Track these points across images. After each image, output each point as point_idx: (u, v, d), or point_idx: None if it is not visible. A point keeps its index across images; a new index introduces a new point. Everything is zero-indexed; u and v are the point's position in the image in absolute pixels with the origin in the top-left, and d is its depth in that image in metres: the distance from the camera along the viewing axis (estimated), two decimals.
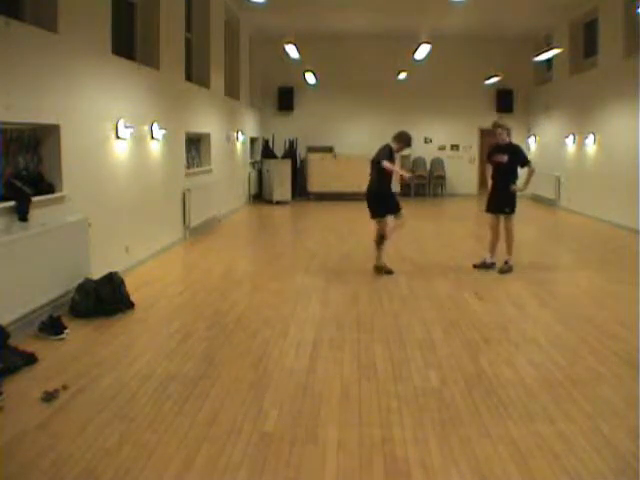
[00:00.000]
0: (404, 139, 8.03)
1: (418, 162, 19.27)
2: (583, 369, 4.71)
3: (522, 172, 8.22)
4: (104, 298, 5.98)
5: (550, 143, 16.46)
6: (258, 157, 18.41)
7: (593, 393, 4.24)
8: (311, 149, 18.85)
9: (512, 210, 8.20)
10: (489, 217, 8.44)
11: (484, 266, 8.33)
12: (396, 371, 4.64)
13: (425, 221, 13.48)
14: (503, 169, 8.13)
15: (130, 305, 6.20)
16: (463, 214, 16.10)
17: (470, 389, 4.29)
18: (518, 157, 8.17)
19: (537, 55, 15.28)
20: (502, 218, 8.27)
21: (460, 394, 4.20)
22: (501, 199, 8.17)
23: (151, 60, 9.04)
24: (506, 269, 8.17)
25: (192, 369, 4.65)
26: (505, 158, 8.09)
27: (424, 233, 11.69)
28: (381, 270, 8.02)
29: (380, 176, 7.87)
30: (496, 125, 8.34)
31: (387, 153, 7.79)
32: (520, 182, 8.30)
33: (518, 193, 8.25)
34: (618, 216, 12.41)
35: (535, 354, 5.04)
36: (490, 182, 8.35)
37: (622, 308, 6.49)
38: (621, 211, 12.31)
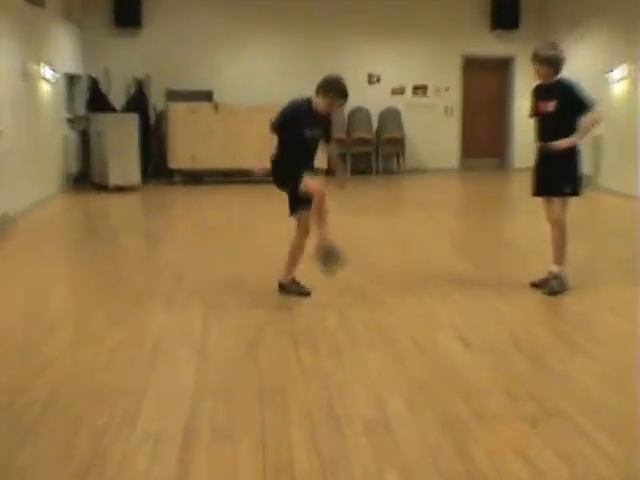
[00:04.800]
0: (333, 89, 5.28)
1: (357, 117, 13.28)
2: None
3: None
4: None
5: (586, 79, 9.44)
6: (82, 110, 12.76)
7: None
8: (174, 95, 12.95)
9: (574, 190, 5.59)
10: (542, 204, 5.90)
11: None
12: (329, 477, 2.95)
13: (370, 217, 9.63)
14: (551, 123, 5.59)
15: None
16: (436, 204, 10.88)
17: None
18: (571, 101, 5.54)
19: None
20: (555, 203, 5.72)
21: None
22: (553, 172, 5.63)
23: None
24: (556, 287, 5.58)
25: None
26: (551, 106, 5.54)
27: (369, 238, 8.34)
28: (293, 289, 5.60)
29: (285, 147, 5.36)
30: (535, 58, 5.72)
31: (299, 116, 5.28)
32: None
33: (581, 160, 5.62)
34: None
35: None
36: (536, 146, 5.78)
37: None
38: None
